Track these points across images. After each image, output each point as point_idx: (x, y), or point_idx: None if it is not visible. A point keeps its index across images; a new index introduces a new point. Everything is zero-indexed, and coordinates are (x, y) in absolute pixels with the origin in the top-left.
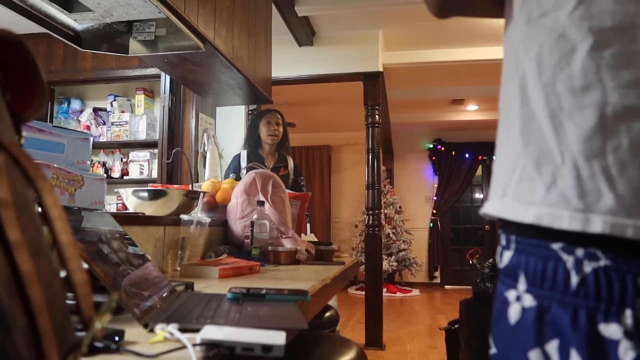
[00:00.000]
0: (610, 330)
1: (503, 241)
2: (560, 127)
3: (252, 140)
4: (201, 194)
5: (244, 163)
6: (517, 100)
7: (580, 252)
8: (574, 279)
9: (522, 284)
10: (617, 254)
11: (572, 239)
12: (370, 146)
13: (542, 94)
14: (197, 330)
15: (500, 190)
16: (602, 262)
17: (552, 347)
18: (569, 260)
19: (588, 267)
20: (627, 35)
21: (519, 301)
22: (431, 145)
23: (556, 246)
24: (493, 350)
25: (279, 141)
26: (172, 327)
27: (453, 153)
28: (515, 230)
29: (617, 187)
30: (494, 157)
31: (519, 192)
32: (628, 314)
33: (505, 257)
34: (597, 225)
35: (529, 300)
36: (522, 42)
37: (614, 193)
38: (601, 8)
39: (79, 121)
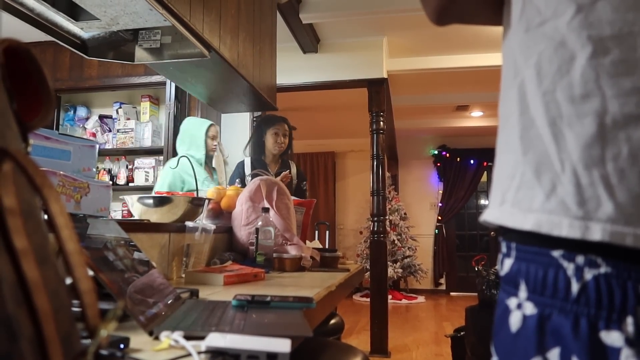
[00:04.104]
0: (612, 337)
1: (503, 249)
2: (560, 135)
3: (257, 146)
4: (206, 201)
5: (247, 170)
6: (516, 107)
7: (580, 259)
8: (575, 287)
9: (522, 292)
10: (618, 261)
11: (572, 246)
12: (374, 153)
13: (541, 101)
14: (202, 338)
15: (499, 198)
16: (603, 269)
17: (554, 355)
18: (570, 268)
19: (589, 275)
20: (626, 43)
21: (520, 309)
22: (436, 152)
23: (556, 253)
24: (495, 359)
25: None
26: (177, 335)
27: (458, 159)
28: (516, 237)
29: (617, 196)
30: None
31: (518, 199)
32: (629, 321)
33: (506, 265)
34: (596, 233)
35: (530, 308)
36: (521, 50)
37: (613, 201)
38: (600, 16)
39: (85, 128)
